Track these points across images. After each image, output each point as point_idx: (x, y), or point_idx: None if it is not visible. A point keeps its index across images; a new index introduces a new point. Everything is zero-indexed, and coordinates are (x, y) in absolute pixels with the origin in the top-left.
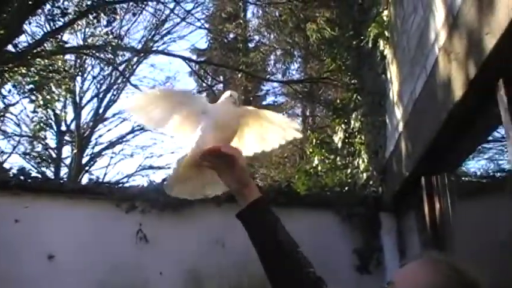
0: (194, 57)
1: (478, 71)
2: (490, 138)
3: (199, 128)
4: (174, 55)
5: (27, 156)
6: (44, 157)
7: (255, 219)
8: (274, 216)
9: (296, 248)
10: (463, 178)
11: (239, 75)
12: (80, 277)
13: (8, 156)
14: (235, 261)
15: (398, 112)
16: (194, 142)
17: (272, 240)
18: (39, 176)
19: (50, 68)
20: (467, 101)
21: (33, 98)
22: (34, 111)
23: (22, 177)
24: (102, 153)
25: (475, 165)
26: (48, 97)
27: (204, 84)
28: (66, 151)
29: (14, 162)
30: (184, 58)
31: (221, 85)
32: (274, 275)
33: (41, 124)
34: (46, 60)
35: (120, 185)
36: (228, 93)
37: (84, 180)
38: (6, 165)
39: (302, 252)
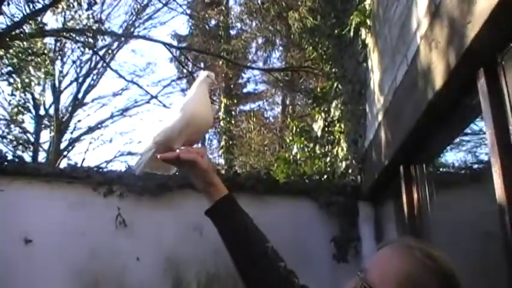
0: (175, 43)
1: (459, 60)
2: (469, 131)
3: (171, 115)
4: (155, 40)
5: (4, 140)
6: (21, 141)
7: (223, 217)
8: (242, 213)
9: (266, 243)
10: (441, 169)
11: (220, 62)
12: (58, 261)
13: None
14: (213, 248)
15: (379, 101)
16: (162, 132)
17: (240, 236)
18: (16, 159)
19: (29, 50)
20: (447, 90)
21: (11, 80)
22: (12, 94)
23: None
24: (81, 139)
25: (454, 157)
26: (26, 80)
27: (185, 71)
28: (45, 136)
29: None
30: (165, 44)
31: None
32: (243, 270)
33: (19, 107)
34: (25, 43)
35: (98, 169)
36: (204, 73)
37: (63, 165)
38: None
39: (272, 247)
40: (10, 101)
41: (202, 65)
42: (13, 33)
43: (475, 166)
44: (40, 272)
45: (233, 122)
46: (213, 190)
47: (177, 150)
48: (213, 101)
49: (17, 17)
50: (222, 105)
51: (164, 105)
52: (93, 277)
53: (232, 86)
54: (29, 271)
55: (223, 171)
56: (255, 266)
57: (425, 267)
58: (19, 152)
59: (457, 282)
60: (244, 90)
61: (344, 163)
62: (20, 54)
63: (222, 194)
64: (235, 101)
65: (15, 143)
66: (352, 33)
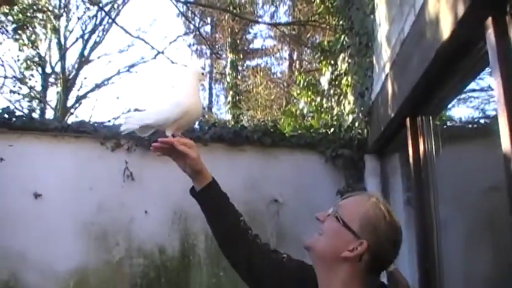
0: None
1: (467, 9)
2: (476, 86)
3: (166, 101)
4: None
5: (12, 95)
6: (32, 96)
7: (207, 200)
8: (222, 195)
9: (239, 217)
10: (448, 121)
11: (226, 17)
12: (67, 215)
13: None
14: None
15: (386, 53)
16: (155, 117)
17: (220, 213)
18: (24, 115)
19: (34, 7)
20: (455, 39)
21: (17, 37)
22: (20, 50)
23: (7, 116)
24: (88, 96)
25: (461, 109)
26: (33, 37)
27: (191, 26)
28: (52, 94)
29: None
30: None
31: (208, 27)
32: (221, 239)
33: (27, 62)
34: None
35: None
36: (196, 69)
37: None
38: None
39: (244, 220)
40: (18, 56)
41: (208, 20)
42: None
43: (482, 118)
44: (50, 225)
45: (240, 77)
46: (200, 177)
47: (169, 136)
48: (220, 56)
49: None
50: (229, 60)
51: (172, 61)
52: (102, 230)
53: (238, 41)
54: (39, 224)
55: (230, 125)
56: (229, 235)
57: (384, 217)
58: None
59: (401, 239)
60: (251, 46)
61: (350, 116)
62: (25, 11)
63: (207, 181)
64: (242, 56)
65: (23, 99)
66: None
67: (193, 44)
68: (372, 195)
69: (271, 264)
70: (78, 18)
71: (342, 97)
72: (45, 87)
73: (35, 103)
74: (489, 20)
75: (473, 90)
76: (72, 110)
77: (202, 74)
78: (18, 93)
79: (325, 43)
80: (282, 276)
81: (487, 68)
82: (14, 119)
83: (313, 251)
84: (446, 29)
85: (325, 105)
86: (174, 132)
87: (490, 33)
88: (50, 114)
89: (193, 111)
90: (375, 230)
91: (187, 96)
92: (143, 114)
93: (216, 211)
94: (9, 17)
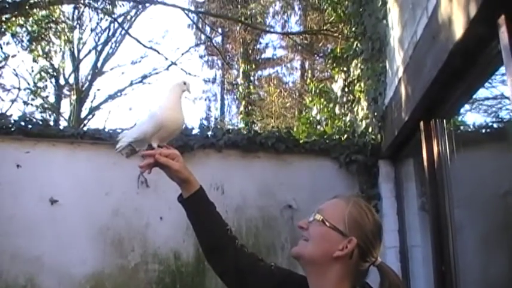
0: (193, 8)
1: (480, 7)
2: (490, 95)
3: (147, 116)
4: (173, 5)
5: (27, 107)
6: (45, 107)
7: (193, 207)
8: (209, 203)
9: (226, 226)
10: (462, 124)
11: (238, 28)
12: (82, 221)
13: (8, 109)
14: (234, 206)
15: (399, 57)
16: (137, 131)
17: (206, 222)
18: (40, 122)
19: (48, 18)
20: (468, 39)
21: (32, 48)
22: (34, 61)
23: (23, 123)
24: (101, 107)
25: (475, 112)
26: (47, 48)
27: (203, 37)
28: (65, 105)
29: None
30: (183, 9)
31: (220, 37)
32: (206, 245)
33: (41, 73)
34: (44, 11)
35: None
36: (177, 81)
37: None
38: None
39: (230, 229)
40: (32, 67)
41: (220, 30)
42: (32, 1)
43: (496, 125)
44: (66, 231)
45: (252, 87)
46: (187, 185)
47: (156, 147)
48: (232, 66)
49: None
50: (241, 70)
51: (186, 72)
52: (117, 235)
53: (250, 51)
54: (55, 230)
55: (244, 132)
56: (216, 242)
57: (366, 214)
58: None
59: (382, 233)
60: (263, 56)
61: (364, 122)
62: (40, 22)
63: (194, 189)
64: (254, 67)
65: (40, 108)
66: None
67: (205, 55)
68: (350, 196)
69: (260, 272)
70: (92, 30)
71: (355, 103)
72: (59, 99)
73: (48, 114)
74: (502, 18)
75: (487, 97)
76: (85, 121)
77: (184, 83)
78: (32, 105)
79: (338, 50)
80: (272, 284)
81: (501, 68)
82: (30, 126)
83: (303, 257)
84: (459, 29)
85: (338, 112)
86: (159, 143)
87: (503, 32)
88: (63, 125)
89: (170, 123)
90: (361, 227)
91: (163, 109)
92: (130, 131)
93: (202, 219)
94: (24, 29)
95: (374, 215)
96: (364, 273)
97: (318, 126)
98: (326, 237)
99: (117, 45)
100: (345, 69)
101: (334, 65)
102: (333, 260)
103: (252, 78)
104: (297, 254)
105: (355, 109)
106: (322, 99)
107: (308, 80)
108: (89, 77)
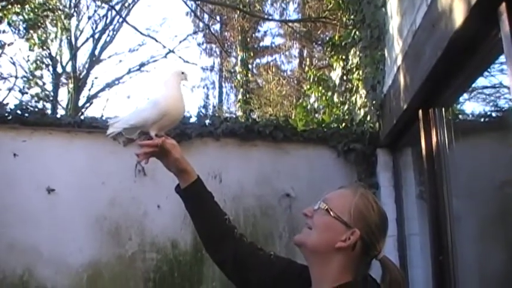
0: None
1: None
2: (489, 84)
3: (146, 103)
4: None
5: (24, 95)
6: (41, 96)
7: (191, 197)
8: (207, 193)
9: (224, 215)
10: (461, 113)
11: (236, 15)
12: (79, 210)
13: (5, 98)
14: (232, 195)
15: (398, 45)
16: (137, 118)
17: (205, 211)
18: (37, 110)
19: (45, 6)
20: (468, 27)
21: (29, 36)
22: (30, 49)
23: (19, 112)
24: (99, 95)
25: (474, 101)
26: (43, 36)
27: (201, 24)
28: (63, 94)
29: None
30: None
31: (218, 25)
32: (205, 235)
33: (38, 62)
34: None
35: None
36: (176, 70)
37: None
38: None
39: (229, 219)
40: (28, 56)
41: (218, 18)
42: None
43: (496, 110)
44: (63, 220)
45: (250, 75)
46: (184, 175)
47: (154, 136)
48: (229, 54)
49: None
50: (239, 58)
51: (184, 60)
52: (115, 224)
53: (248, 39)
54: (52, 219)
55: (242, 120)
56: (214, 232)
57: (372, 207)
58: (42, 106)
59: (387, 226)
60: (261, 44)
61: (362, 110)
62: (36, 10)
63: (192, 179)
64: (252, 54)
65: (35, 98)
66: None
67: (203, 43)
68: (358, 187)
69: (259, 261)
70: (89, 18)
71: (353, 91)
72: (56, 87)
73: (45, 103)
74: (502, 6)
75: (486, 87)
76: (83, 110)
77: (183, 73)
78: (28, 94)
79: (336, 38)
80: (272, 273)
81: (501, 56)
82: (26, 114)
83: (306, 245)
84: (459, 17)
85: (336, 100)
86: (157, 132)
87: (504, 20)
88: (61, 113)
89: (173, 111)
90: (365, 219)
91: (165, 97)
92: (126, 117)
93: (200, 209)
94: (21, 17)
95: (380, 208)
96: (367, 265)
97: (316, 115)
98: (330, 227)
99: (115, 33)
100: (343, 57)
101: (333, 53)
102: (335, 251)
103: (250, 66)
104: (299, 242)
105: (354, 97)
106: (320, 88)
107: (306, 68)
108: (87, 65)
